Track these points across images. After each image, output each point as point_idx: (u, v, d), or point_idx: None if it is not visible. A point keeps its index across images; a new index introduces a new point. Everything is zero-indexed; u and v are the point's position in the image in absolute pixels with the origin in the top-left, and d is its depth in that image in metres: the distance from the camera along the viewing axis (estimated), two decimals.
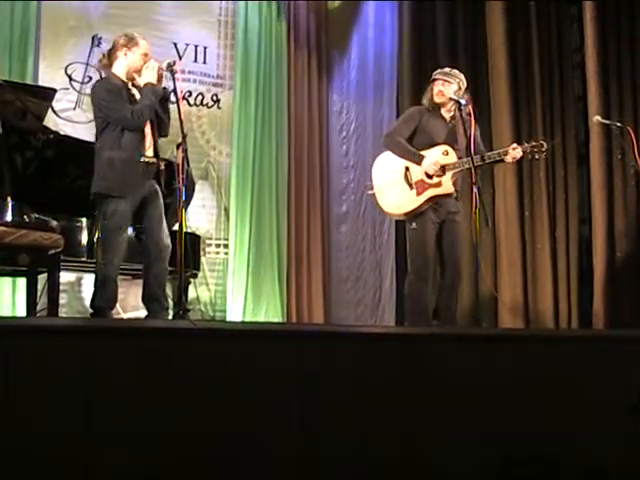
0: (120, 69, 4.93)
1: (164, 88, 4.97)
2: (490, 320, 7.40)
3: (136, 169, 4.84)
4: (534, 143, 5.50)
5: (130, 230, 5.03)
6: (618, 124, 6.48)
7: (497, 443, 2.63)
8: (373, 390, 2.53)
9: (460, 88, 5.49)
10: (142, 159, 4.87)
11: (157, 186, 4.97)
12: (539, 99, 7.65)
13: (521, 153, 5.42)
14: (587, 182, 7.43)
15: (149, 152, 4.96)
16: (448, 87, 5.46)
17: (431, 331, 4.11)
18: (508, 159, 5.43)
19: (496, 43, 7.67)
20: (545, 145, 5.50)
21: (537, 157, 5.52)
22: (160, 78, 4.92)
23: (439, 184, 5.37)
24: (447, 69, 5.65)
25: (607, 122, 6.66)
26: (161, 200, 4.97)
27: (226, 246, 8.27)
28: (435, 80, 5.53)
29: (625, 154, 7.05)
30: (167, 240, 4.92)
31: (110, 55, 4.97)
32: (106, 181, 4.83)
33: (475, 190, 5.12)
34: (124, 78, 4.91)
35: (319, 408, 2.44)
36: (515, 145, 5.48)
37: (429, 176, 5.37)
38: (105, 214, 4.83)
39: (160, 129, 5.05)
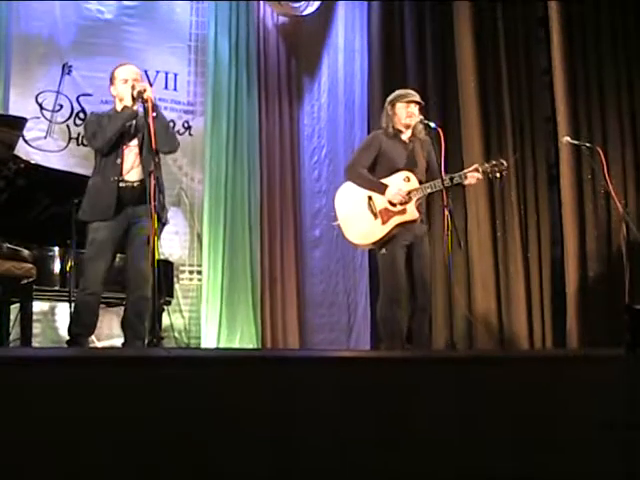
0: (116, 101, 5.04)
1: (149, 105, 4.84)
2: (465, 342, 7.41)
3: (108, 193, 4.81)
4: (494, 162, 5.52)
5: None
6: (587, 144, 6.51)
7: (473, 464, 2.64)
8: (348, 415, 2.53)
9: (421, 107, 5.50)
10: (120, 184, 4.84)
11: (146, 210, 4.66)
12: (509, 120, 7.72)
13: (480, 175, 5.45)
14: (558, 203, 7.49)
15: (130, 176, 4.88)
16: (417, 108, 5.46)
17: (406, 354, 4.11)
18: (469, 181, 5.46)
19: (465, 66, 7.73)
20: (505, 163, 5.51)
21: (498, 176, 5.53)
22: (144, 99, 4.84)
23: (403, 211, 5.36)
24: (410, 90, 5.63)
25: (576, 142, 6.71)
26: (146, 224, 4.70)
27: (199, 272, 8.26)
28: (409, 102, 5.44)
29: (595, 174, 7.11)
30: (148, 269, 4.69)
31: None
32: (81, 207, 4.91)
33: (447, 212, 5.14)
34: (118, 108, 4.98)
35: (296, 433, 2.44)
36: (477, 166, 5.51)
37: (393, 204, 5.37)
38: (86, 242, 4.86)
39: (158, 146, 4.76)
